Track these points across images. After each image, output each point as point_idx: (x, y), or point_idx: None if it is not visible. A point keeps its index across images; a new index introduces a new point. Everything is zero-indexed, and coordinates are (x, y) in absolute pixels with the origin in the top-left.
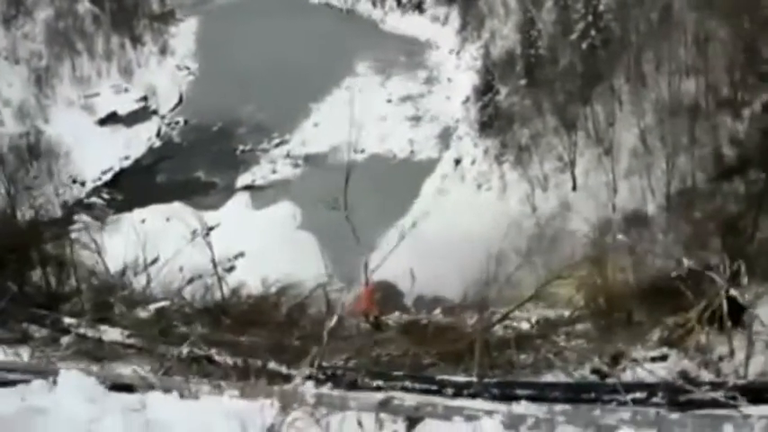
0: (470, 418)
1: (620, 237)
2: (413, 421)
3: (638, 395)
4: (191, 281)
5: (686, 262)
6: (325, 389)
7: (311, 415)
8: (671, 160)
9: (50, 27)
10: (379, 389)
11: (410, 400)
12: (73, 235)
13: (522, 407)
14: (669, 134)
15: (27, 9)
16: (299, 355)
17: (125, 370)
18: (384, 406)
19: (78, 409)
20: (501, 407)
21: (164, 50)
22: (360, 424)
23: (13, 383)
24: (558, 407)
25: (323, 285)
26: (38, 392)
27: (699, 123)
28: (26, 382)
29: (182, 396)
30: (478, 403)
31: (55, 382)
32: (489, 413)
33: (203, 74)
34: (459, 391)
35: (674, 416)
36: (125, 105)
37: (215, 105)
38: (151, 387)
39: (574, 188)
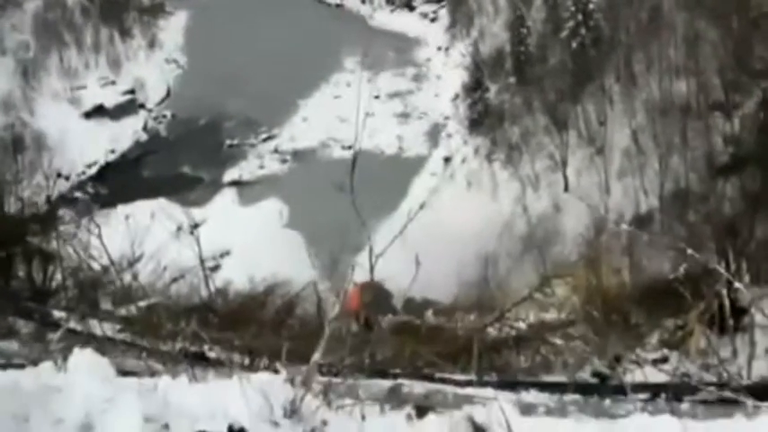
0: (483, 404)
1: (624, 226)
2: (421, 410)
3: (643, 396)
4: (176, 279)
5: (690, 252)
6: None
7: (324, 398)
8: (664, 160)
9: (39, 18)
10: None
11: (419, 387)
12: (61, 228)
13: (531, 396)
14: (661, 134)
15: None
16: (291, 356)
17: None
18: (393, 393)
19: (92, 388)
20: (511, 395)
21: (152, 44)
22: (363, 417)
23: (20, 366)
24: (568, 397)
25: (314, 283)
26: (48, 373)
27: (691, 123)
28: (34, 364)
29: (190, 381)
30: (488, 392)
31: (64, 365)
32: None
33: (192, 68)
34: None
35: (685, 405)
36: (112, 98)
37: (203, 99)
38: (156, 374)
39: (566, 188)
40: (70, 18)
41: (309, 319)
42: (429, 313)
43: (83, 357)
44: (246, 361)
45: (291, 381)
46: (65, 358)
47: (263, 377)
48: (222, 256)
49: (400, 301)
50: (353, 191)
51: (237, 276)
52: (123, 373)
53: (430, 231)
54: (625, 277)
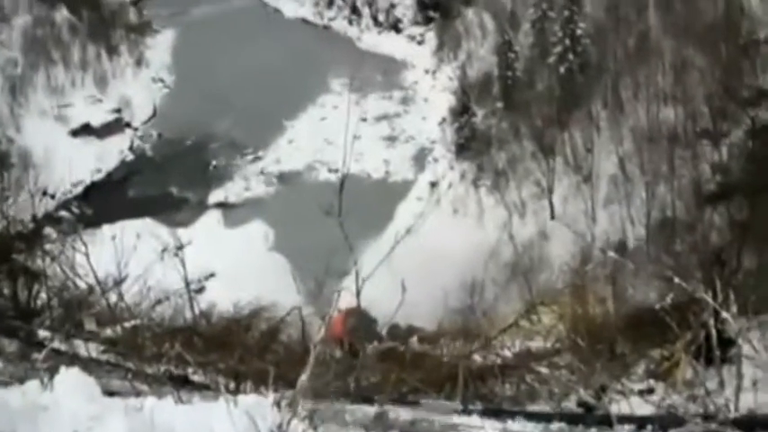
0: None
1: (611, 254)
2: None
3: (629, 427)
4: (160, 301)
5: (677, 281)
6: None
7: (311, 422)
8: (651, 189)
9: (27, 35)
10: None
11: (405, 414)
12: (46, 247)
13: (517, 424)
14: (648, 162)
15: (5, 15)
16: (276, 381)
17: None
18: (378, 420)
19: (78, 407)
20: (497, 424)
21: (139, 62)
22: None
23: (6, 384)
24: (554, 425)
25: (298, 308)
26: (35, 391)
27: (678, 151)
28: (20, 382)
29: (176, 402)
30: (474, 420)
31: (50, 384)
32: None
33: (178, 87)
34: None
35: None
36: (98, 117)
37: (189, 119)
38: (141, 394)
39: (552, 216)
40: (58, 35)
41: (294, 344)
42: (414, 340)
43: (69, 376)
44: (232, 384)
45: (278, 404)
46: (51, 377)
47: (249, 400)
48: (207, 278)
49: (384, 327)
50: (341, 214)
51: (222, 299)
52: (109, 393)
53: (415, 257)
54: (610, 306)
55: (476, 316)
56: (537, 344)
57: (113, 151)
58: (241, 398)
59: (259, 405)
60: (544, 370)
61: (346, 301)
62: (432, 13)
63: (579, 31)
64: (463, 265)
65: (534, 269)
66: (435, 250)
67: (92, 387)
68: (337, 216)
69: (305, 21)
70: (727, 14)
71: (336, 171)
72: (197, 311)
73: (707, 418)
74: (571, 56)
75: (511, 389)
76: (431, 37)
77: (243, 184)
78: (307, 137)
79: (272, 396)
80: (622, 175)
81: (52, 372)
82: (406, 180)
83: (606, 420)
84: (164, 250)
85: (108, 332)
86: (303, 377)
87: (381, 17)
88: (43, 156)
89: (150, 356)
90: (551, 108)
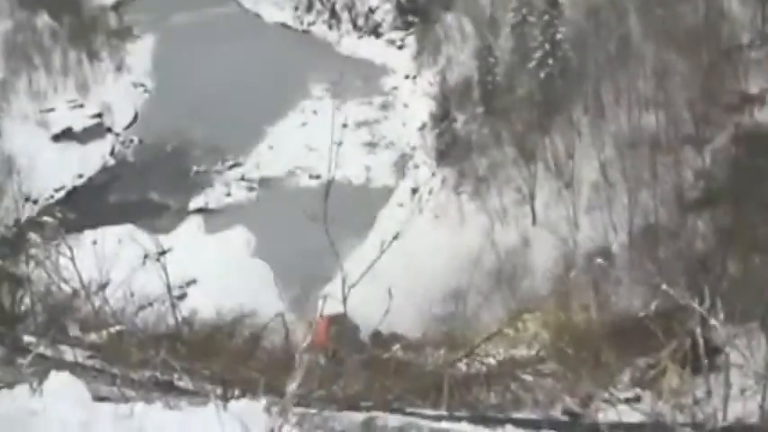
0: None
1: (598, 260)
2: None
3: None
4: (144, 306)
5: (665, 288)
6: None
7: (300, 429)
8: (633, 195)
9: (9, 40)
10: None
11: (393, 421)
12: (30, 252)
13: (508, 431)
14: (630, 168)
15: None
16: (257, 386)
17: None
18: (367, 427)
19: (68, 412)
20: (486, 431)
21: (120, 67)
22: None
23: None
24: None
25: (281, 315)
26: (24, 396)
27: (661, 157)
28: (9, 387)
29: (165, 408)
30: (463, 427)
31: (39, 389)
32: None
33: (159, 92)
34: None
35: None
36: (80, 122)
37: (170, 125)
38: (130, 400)
39: (534, 222)
40: (39, 40)
41: (277, 350)
42: (397, 347)
43: (59, 381)
44: (218, 391)
45: (269, 410)
46: (40, 382)
47: (240, 405)
48: (188, 284)
49: (367, 334)
50: (326, 221)
51: (204, 306)
52: (98, 398)
53: (396, 265)
54: (593, 314)
55: (459, 323)
56: (521, 352)
57: (95, 156)
58: (231, 404)
59: (249, 411)
60: (529, 378)
61: (330, 306)
62: (411, 18)
63: (559, 36)
64: (445, 272)
65: (517, 276)
66: (417, 256)
67: (82, 392)
68: (323, 222)
69: (284, 25)
70: (707, 19)
71: (317, 177)
72: (179, 318)
73: (695, 426)
74: (551, 61)
75: (496, 397)
76: (411, 42)
77: (223, 190)
78: (287, 142)
79: (263, 401)
80: (604, 181)
81: (41, 376)
82: (387, 186)
83: (595, 428)
84: (146, 256)
85: (92, 337)
86: (293, 385)
87: (361, 21)
88: (26, 161)
89: (135, 362)
90: (532, 113)
